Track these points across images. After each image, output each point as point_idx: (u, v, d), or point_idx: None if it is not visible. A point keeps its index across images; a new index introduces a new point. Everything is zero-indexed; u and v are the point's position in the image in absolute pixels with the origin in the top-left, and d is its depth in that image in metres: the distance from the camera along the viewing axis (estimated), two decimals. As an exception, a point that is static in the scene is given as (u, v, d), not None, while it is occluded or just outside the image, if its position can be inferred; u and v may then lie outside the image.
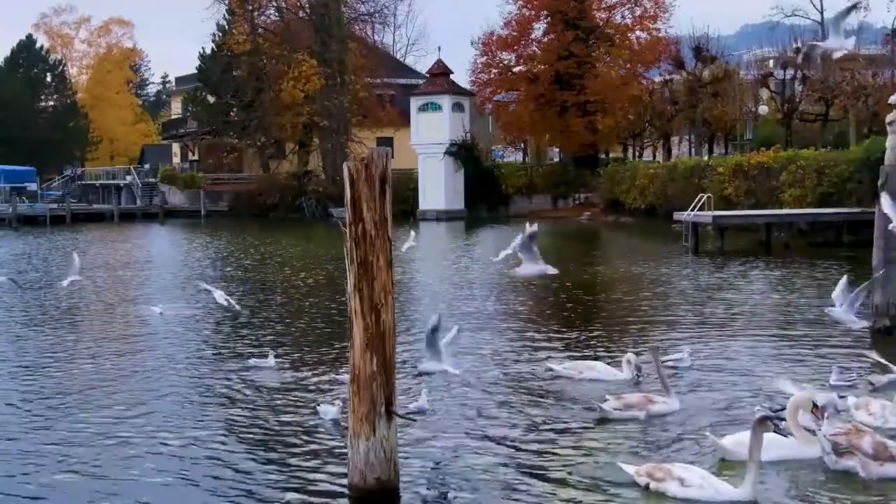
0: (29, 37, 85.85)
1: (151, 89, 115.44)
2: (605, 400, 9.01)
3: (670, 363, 10.82)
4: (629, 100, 51.67)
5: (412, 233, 13.61)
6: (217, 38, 63.68)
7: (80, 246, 36.68)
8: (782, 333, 13.48)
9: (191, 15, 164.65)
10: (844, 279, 10.79)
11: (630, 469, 7.03)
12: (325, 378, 10.85)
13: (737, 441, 7.60)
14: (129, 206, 64.76)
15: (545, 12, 53.64)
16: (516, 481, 7.23)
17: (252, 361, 11.53)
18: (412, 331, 13.78)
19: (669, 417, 8.84)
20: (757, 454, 6.65)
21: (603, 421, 8.84)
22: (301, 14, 62.53)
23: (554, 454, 7.87)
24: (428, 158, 53.47)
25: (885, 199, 11.48)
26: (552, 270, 11.17)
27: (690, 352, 11.33)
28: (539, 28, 55.19)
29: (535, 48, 54.93)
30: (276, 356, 11.53)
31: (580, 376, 10.52)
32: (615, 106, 51.29)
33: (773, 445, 7.49)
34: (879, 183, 13.20)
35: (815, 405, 7.57)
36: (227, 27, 62.83)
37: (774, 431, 6.89)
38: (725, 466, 7.42)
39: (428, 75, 58.01)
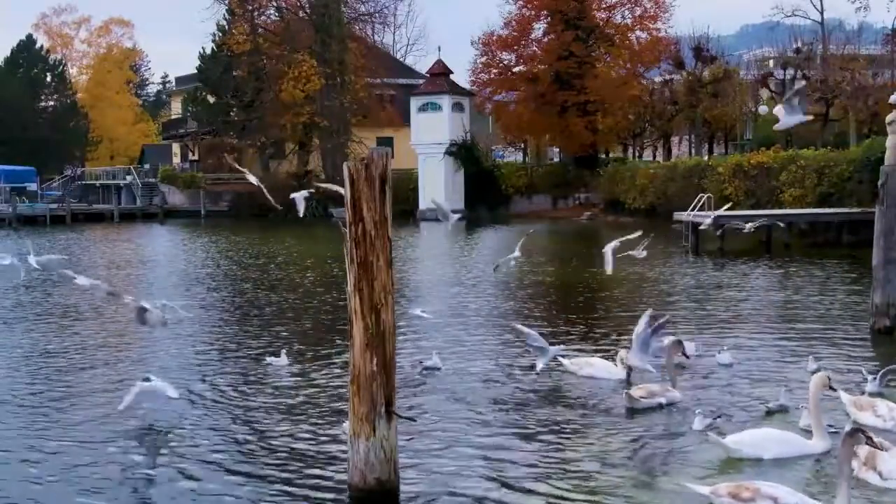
0: (29, 37, 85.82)
1: (151, 89, 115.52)
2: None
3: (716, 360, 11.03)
4: (629, 100, 51.67)
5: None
6: (217, 38, 63.67)
7: (81, 245, 36.67)
8: (783, 331, 13.49)
9: (191, 15, 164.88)
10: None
11: (704, 489, 6.46)
12: (326, 377, 10.85)
13: (738, 439, 7.63)
14: (129, 206, 64.70)
15: (545, 12, 53.66)
16: (521, 483, 7.23)
17: (268, 360, 11.55)
18: (412, 331, 13.78)
19: (669, 416, 8.87)
20: (848, 468, 6.17)
21: (609, 419, 8.87)
22: (301, 14, 62.52)
23: (557, 453, 7.87)
24: (428, 158, 53.48)
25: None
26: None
27: (727, 348, 11.38)
28: (539, 28, 55.28)
29: (535, 48, 54.95)
30: (286, 354, 11.59)
31: (580, 372, 10.59)
32: (615, 106, 51.29)
33: (779, 442, 7.53)
34: (879, 183, 13.21)
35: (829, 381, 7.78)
36: (227, 27, 62.82)
37: (867, 444, 6.39)
38: (729, 464, 7.44)
39: (428, 75, 58.02)
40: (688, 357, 9.76)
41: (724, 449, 7.58)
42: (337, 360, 11.57)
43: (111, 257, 30.42)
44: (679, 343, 9.72)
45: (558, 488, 7.05)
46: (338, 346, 12.50)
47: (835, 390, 8.20)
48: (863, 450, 6.99)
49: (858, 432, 6.22)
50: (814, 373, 9.44)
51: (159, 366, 11.78)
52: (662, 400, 9.22)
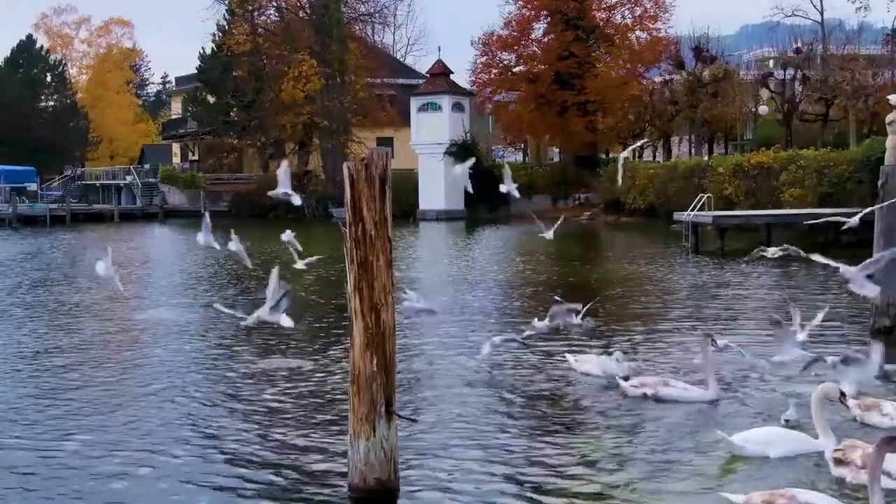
0: (29, 37, 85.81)
1: (151, 89, 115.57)
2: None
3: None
4: (629, 100, 51.68)
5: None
6: (217, 38, 63.64)
7: (82, 245, 36.66)
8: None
9: (191, 15, 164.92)
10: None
11: (738, 499, 6.27)
12: (325, 377, 10.85)
13: (746, 438, 7.64)
14: (129, 206, 64.72)
15: (545, 12, 53.68)
16: (521, 482, 7.22)
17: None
18: (413, 332, 13.78)
19: (674, 415, 8.87)
20: (879, 476, 5.88)
21: (610, 418, 8.90)
22: (301, 14, 62.51)
23: (558, 452, 7.87)
24: (428, 158, 53.46)
25: None
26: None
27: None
28: (539, 28, 55.32)
29: (535, 48, 54.96)
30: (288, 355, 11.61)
31: (580, 369, 10.64)
32: (615, 106, 51.31)
33: (785, 440, 7.53)
34: (879, 183, 13.22)
35: (842, 394, 7.63)
36: (227, 27, 62.81)
37: None
38: (735, 462, 7.45)
39: (428, 75, 58.01)
40: (720, 350, 9.70)
41: (730, 446, 7.58)
42: (337, 360, 11.57)
43: (112, 257, 30.38)
44: (708, 336, 9.64)
45: (560, 488, 7.05)
46: (338, 346, 12.50)
47: (846, 406, 7.93)
48: (857, 452, 6.95)
49: (894, 440, 6.03)
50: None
51: (160, 364, 11.80)
52: (648, 391, 9.34)
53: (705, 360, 9.52)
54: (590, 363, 10.74)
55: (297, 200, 9.96)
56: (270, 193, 9.95)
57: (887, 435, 6.36)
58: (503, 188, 11.45)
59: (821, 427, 7.55)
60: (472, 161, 11.65)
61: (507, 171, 11.62)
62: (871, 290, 9.09)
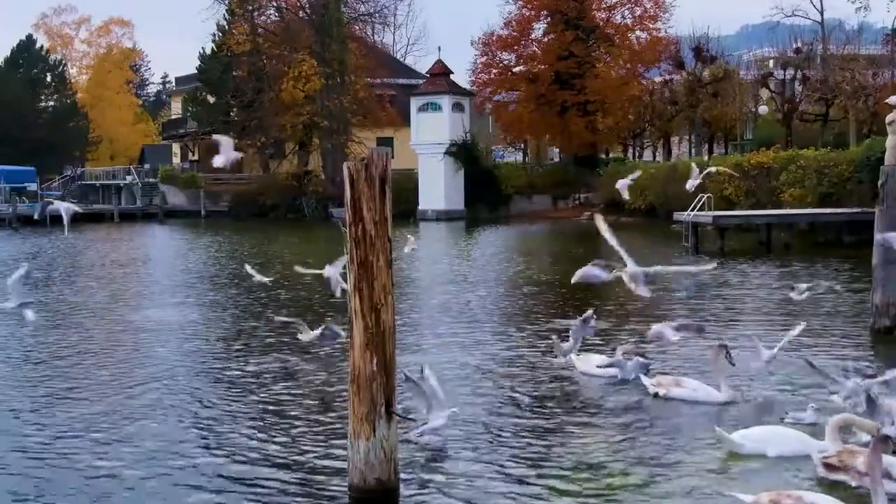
0: (29, 37, 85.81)
1: (151, 89, 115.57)
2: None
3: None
4: (629, 100, 51.66)
5: (410, 237, 14.34)
6: (217, 38, 63.64)
7: (82, 244, 36.63)
8: (784, 330, 13.46)
9: (191, 15, 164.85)
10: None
11: (747, 499, 6.25)
12: (325, 376, 10.85)
13: (745, 435, 7.63)
14: (129, 206, 64.71)
15: (545, 12, 53.68)
16: (522, 482, 7.22)
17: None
18: (413, 331, 13.79)
19: (679, 415, 8.88)
20: (879, 475, 5.83)
21: (610, 417, 8.92)
22: (301, 14, 62.50)
23: (559, 452, 7.87)
24: (428, 158, 53.45)
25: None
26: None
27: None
28: (539, 28, 55.30)
29: (535, 48, 54.95)
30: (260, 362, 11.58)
31: (581, 367, 10.65)
32: (615, 106, 51.28)
33: (786, 440, 7.52)
34: (879, 183, 13.22)
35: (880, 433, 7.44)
36: (227, 27, 62.80)
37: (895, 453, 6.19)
38: (735, 460, 7.44)
39: (428, 75, 58.00)
40: (733, 364, 9.61)
41: (729, 444, 7.58)
42: (337, 360, 11.56)
43: (113, 257, 30.42)
44: (723, 347, 9.53)
45: (560, 487, 7.05)
46: (337, 345, 12.49)
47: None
48: (858, 462, 6.87)
49: (889, 439, 6.09)
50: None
51: (160, 363, 11.80)
52: (660, 391, 9.45)
53: (716, 367, 9.49)
54: (590, 363, 10.75)
55: (74, 207, 10.14)
56: (48, 210, 10.44)
57: (882, 434, 6.37)
58: (688, 184, 12.06)
59: (831, 438, 7.35)
60: (637, 174, 12.26)
61: (696, 171, 11.97)
62: (645, 292, 9.35)
